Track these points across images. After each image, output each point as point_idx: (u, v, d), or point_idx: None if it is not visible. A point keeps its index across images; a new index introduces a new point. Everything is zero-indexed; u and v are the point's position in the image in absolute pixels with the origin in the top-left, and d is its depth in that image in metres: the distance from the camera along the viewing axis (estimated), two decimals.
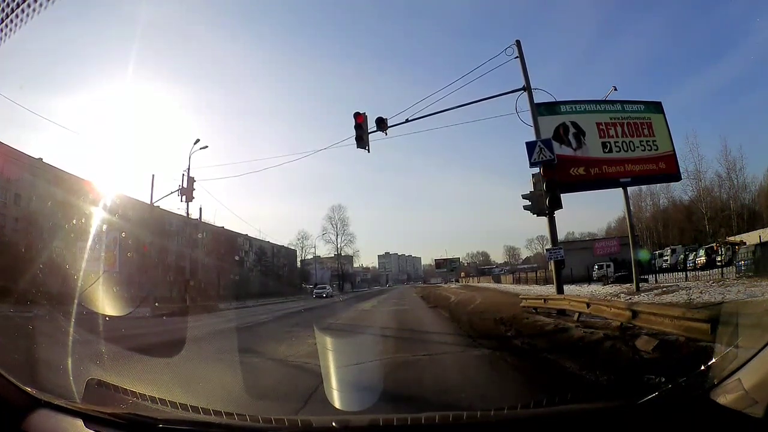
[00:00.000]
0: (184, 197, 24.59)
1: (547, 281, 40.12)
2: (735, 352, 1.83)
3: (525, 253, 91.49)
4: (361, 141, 13.69)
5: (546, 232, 13.80)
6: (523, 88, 13.24)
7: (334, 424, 2.14)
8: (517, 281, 48.32)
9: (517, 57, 13.39)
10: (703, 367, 1.92)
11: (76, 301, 11.36)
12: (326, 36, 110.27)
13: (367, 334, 11.36)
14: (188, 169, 25.46)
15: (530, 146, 12.44)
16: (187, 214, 26.84)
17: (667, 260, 33.70)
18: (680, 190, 44.13)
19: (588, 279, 31.79)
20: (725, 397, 1.66)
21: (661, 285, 19.03)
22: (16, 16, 2.54)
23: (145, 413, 2.30)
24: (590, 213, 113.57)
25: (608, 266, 36.04)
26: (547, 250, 13.17)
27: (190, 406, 2.50)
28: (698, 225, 40.98)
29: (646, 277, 22.20)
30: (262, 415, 2.31)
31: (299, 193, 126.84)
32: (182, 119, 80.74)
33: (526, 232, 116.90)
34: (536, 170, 12.33)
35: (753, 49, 61.71)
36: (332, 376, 5.18)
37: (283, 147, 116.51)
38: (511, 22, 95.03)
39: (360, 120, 13.79)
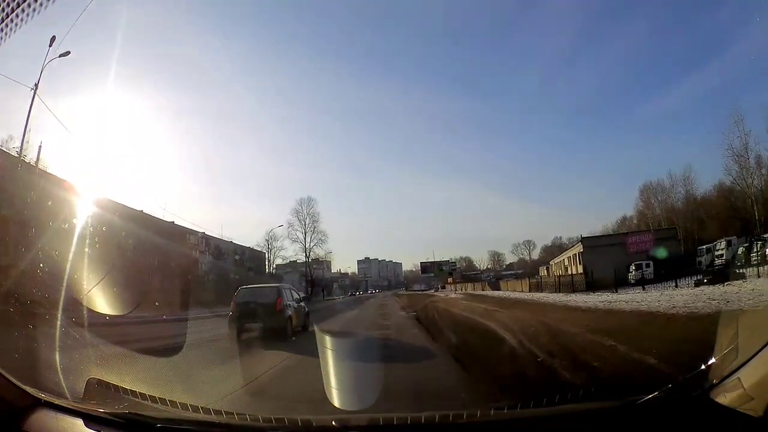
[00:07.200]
0: None
1: (559, 288, 32.06)
2: (735, 351, 1.74)
3: (510, 258, 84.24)
4: None
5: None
6: None
7: (333, 423, 2.16)
8: (537, 288, 36.96)
9: None
10: (703, 366, 1.85)
11: None
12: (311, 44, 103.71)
13: None
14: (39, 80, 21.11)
15: None
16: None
17: (722, 255, 26.89)
18: (723, 174, 39.42)
19: (618, 283, 25.73)
20: (725, 396, 1.62)
21: None
22: None
23: (144, 412, 2.31)
24: (584, 216, 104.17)
25: (647, 265, 29.85)
26: None
27: (190, 405, 2.48)
28: (743, 213, 36.09)
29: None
30: (262, 415, 2.28)
31: (273, 199, 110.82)
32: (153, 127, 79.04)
33: (511, 237, 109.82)
34: None
35: None
36: None
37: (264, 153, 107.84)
38: (489, 23, 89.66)
39: None
